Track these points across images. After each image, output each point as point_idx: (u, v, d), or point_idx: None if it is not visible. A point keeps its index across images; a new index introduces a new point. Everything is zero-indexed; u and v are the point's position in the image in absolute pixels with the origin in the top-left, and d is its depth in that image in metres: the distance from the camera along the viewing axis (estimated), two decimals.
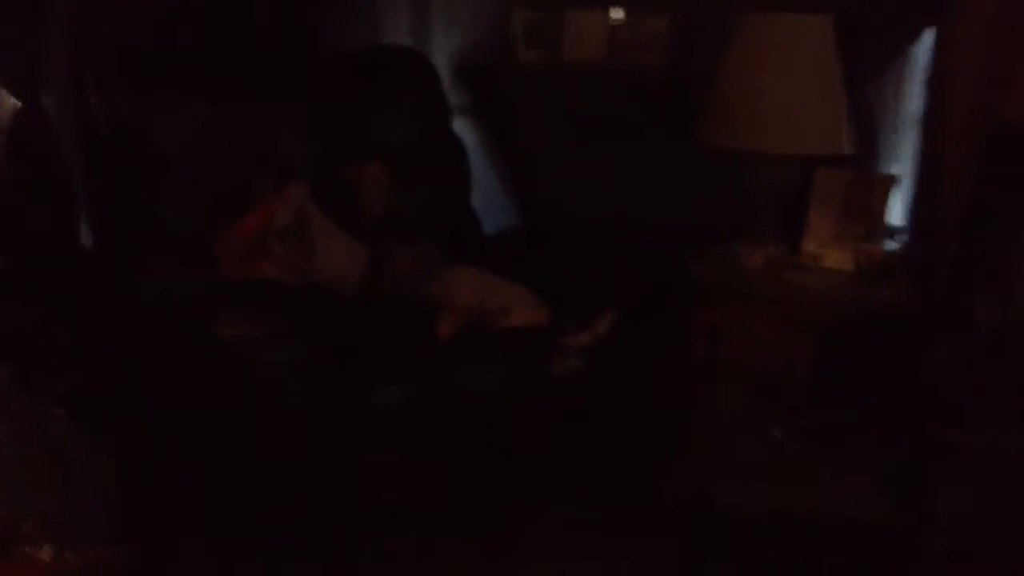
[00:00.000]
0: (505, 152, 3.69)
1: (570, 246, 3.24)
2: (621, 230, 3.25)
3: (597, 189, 3.42)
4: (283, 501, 2.52)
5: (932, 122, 3.00)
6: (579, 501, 2.83)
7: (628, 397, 2.92)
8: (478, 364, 2.71)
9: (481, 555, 2.61)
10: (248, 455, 2.48)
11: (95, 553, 1.86)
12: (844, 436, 2.49)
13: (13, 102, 2.77)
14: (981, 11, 2.82)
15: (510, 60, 3.54)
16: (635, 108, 3.38)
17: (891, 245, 2.96)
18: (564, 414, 2.82)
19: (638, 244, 3.18)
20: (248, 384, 2.39)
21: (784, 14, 2.87)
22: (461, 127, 3.54)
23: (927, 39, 3.04)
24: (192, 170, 2.81)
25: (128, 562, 1.92)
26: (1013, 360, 2.48)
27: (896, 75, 3.12)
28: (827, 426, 2.52)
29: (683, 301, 2.96)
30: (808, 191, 3.05)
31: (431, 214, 3.18)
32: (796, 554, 2.35)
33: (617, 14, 3.42)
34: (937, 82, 2.97)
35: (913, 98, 3.11)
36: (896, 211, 3.07)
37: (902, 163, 3.15)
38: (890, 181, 3.02)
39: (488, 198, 3.61)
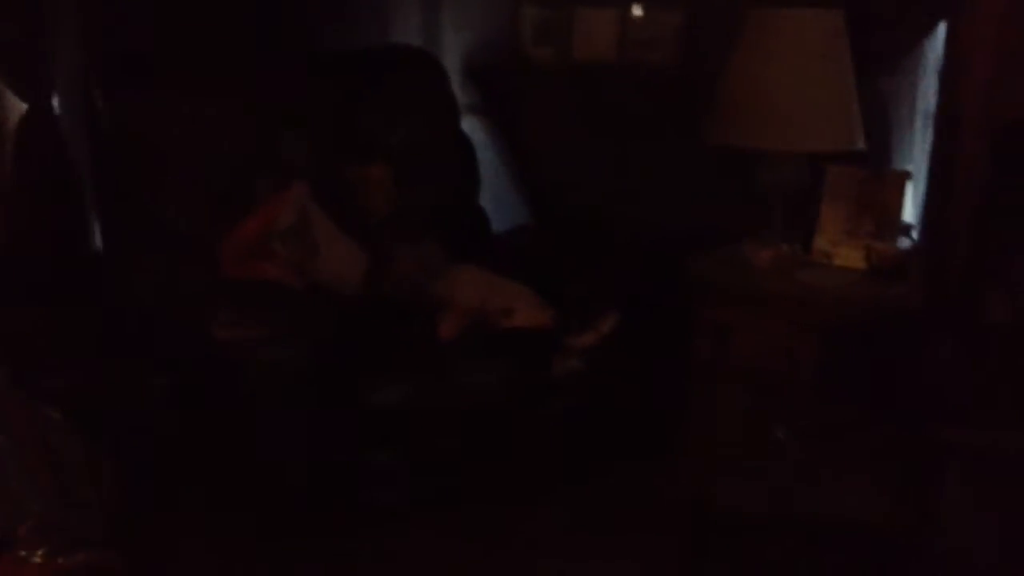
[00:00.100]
0: (515, 150, 3.67)
1: (578, 244, 3.21)
2: (630, 228, 3.22)
3: (606, 187, 3.40)
4: (283, 501, 2.53)
5: (944, 118, 2.95)
6: (580, 501, 2.82)
7: (629, 397, 2.90)
8: (479, 364, 2.70)
9: (481, 555, 2.60)
10: (248, 455, 2.48)
11: (88, 556, 1.86)
12: (846, 436, 2.46)
13: (21, 104, 2.81)
14: (992, 7, 2.77)
15: (520, 58, 3.53)
16: (645, 106, 3.36)
17: (904, 243, 2.91)
18: (564, 414, 2.80)
19: (647, 242, 3.15)
20: (246, 384, 2.39)
21: (793, 8, 2.84)
22: (471, 125, 3.53)
23: (942, 33, 2.99)
24: (194, 170, 2.83)
25: (122, 565, 1.92)
26: (1022, 359, 2.43)
27: (910, 70, 3.07)
28: (830, 426, 2.50)
29: (689, 300, 2.93)
30: (819, 188, 3.02)
31: (436, 214, 3.17)
32: (797, 554, 2.34)
33: (627, 11, 3.39)
34: (948, 78, 2.92)
35: (928, 93, 3.06)
36: (908, 208, 3.02)
37: (916, 159, 3.10)
38: (904, 178, 2.97)
39: (498, 196, 3.59)
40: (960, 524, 2.21)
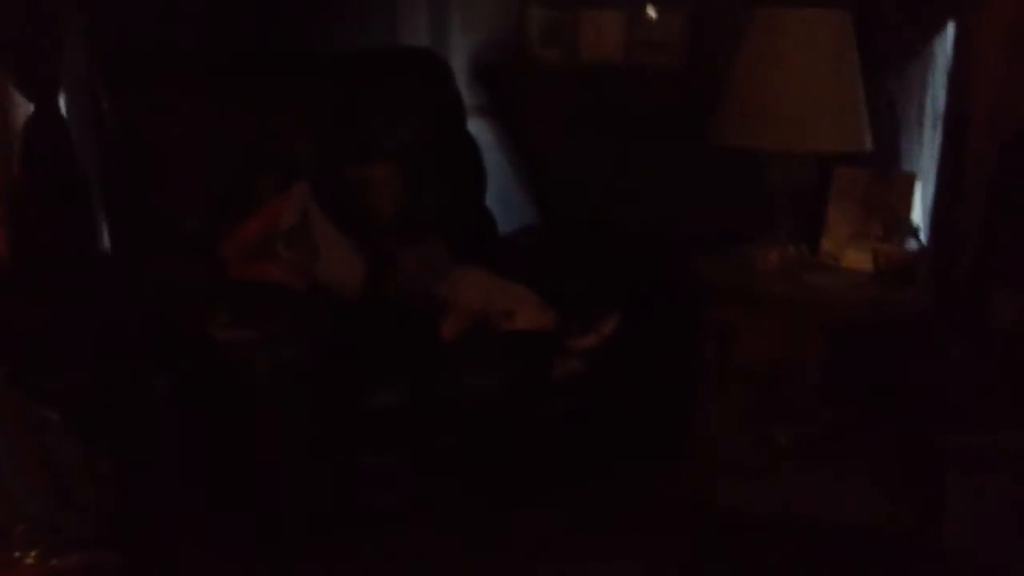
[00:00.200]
0: (521, 151, 3.67)
1: (584, 245, 3.20)
2: (636, 229, 3.20)
3: (613, 188, 3.39)
4: (283, 501, 2.53)
5: (953, 119, 2.92)
6: (580, 502, 2.81)
7: (630, 397, 2.89)
8: (479, 366, 2.69)
9: (481, 556, 2.59)
10: (248, 455, 2.48)
11: (82, 557, 1.87)
12: (849, 437, 2.45)
13: (27, 104, 2.83)
14: (1003, 7, 2.74)
15: (527, 59, 3.52)
16: (651, 107, 3.34)
17: (912, 245, 2.88)
18: (565, 415, 2.80)
19: (653, 243, 3.14)
20: (245, 385, 2.40)
21: (801, 8, 2.81)
22: (478, 126, 3.53)
23: (951, 33, 2.96)
24: (196, 171, 2.83)
25: (116, 565, 1.93)
26: None
27: (919, 70, 3.04)
28: (833, 428, 2.48)
29: (695, 301, 2.91)
30: (826, 190, 2.99)
31: (441, 214, 3.17)
32: (798, 555, 2.34)
33: (634, 13, 3.38)
34: (958, 79, 2.89)
35: (937, 94, 3.02)
36: (916, 210, 2.99)
37: (924, 161, 3.06)
38: (912, 180, 2.95)
39: (505, 197, 3.59)
40: (962, 525, 2.18)
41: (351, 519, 2.58)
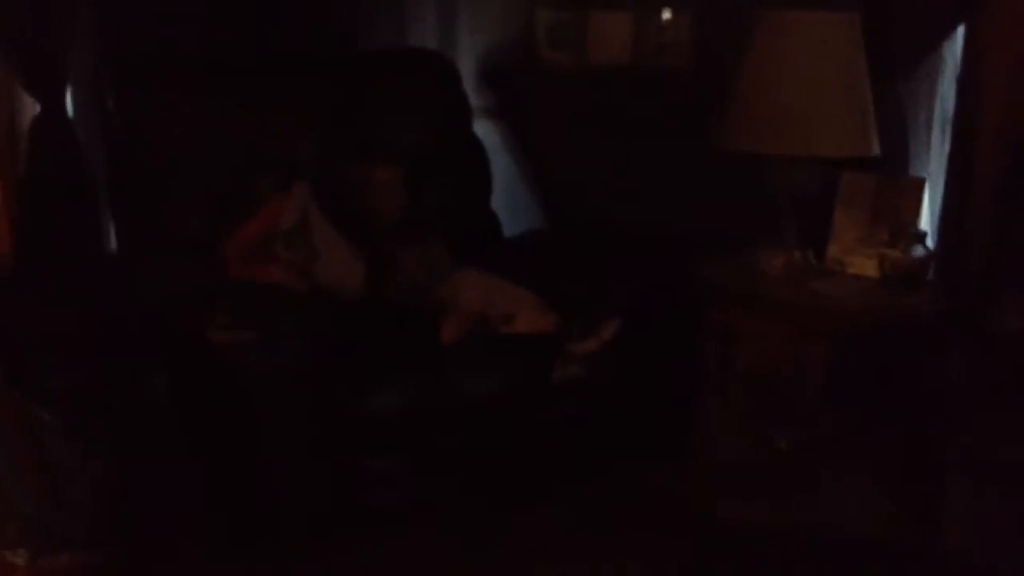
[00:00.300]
0: (528, 153, 3.65)
1: (588, 247, 3.19)
2: (642, 232, 3.18)
3: (619, 190, 3.37)
4: (283, 502, 2.53)
5: (962, 123, 2.88)
6: (580, 503, 2.80)
7: (630, 399, 2.88)
8: (479, 369, 2.69)
9: (481, 557, 2.59)
10: (248, 456, 2.49)
11: (72, 558, 1.87)
12: (851, 446, 2.43)
13: (34, 103, 2.84)
14: (1013, 10, 2.71)
15: (534, 61, 3.51)
16: (659, 110, 3.32)
17: (918, 251, 2.84)
18: (565, 418, 2.79)
19: (659, 246, 3.12)
20: (243, 387, 2.40)
21: (808, 10, 2.79)
22: (485, 128, 3.52)
23: (961, 36, 2.93)
24: (197, 171, 2.83)
25: (107, 566, 1.93)
26: None
27: (928, 74, 3.00)
28: (834, 435, 2.46)
29: (698, 305, 2.90)
30: (833, 195, 2.97)
31: (444, 216, 3.16)
32: (798, 560, 2.32)
33: (641, 14, 3.37)
34: (967, 82, 2.86)
35: (947, 98, 2.99)
36: (924, 215, 2.96)
37: (932, 166, 3.03)
38: (920, 185, 2.92)
39: (512, 200, 3.58)
40: (963, 532, 2.17)
41: (351, 520, 2.58)
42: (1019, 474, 2.18)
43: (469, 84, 3.45)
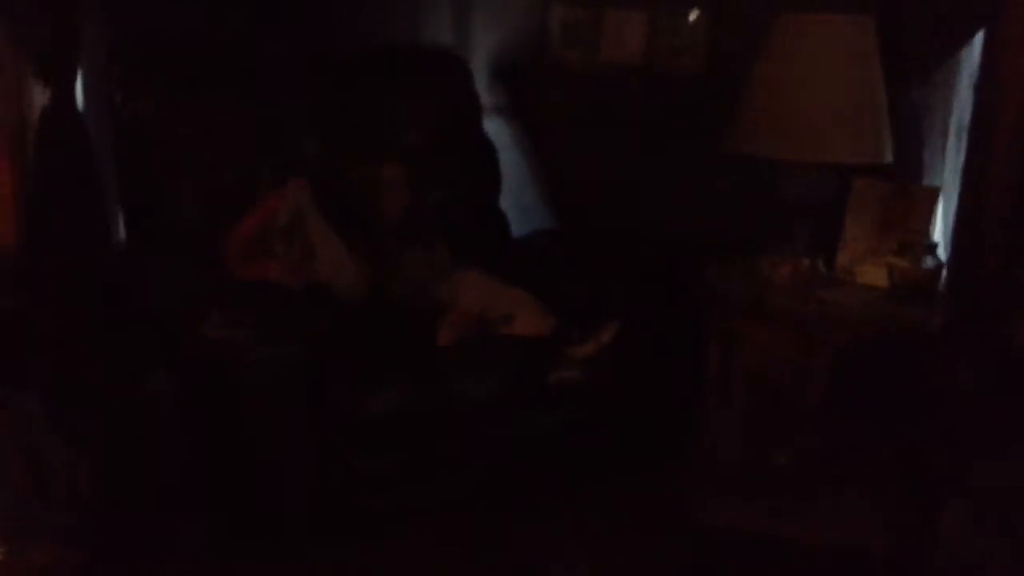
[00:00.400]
0: (539, 152, 3.63)
1: (594, 250, 3.17)
2: (650, 234, 3.15)
3: (629, 191, 3.34)
4: (282, 502, 2.53)
5: (979, 132, 2.82)
6: (579, 505, 2.80)
7: (629, 403, 2.86)
8: (476, 371, 2.67)
9: (480, 559, 2.59)
10: (247, 456, 2.49)
11: (51, 553, 1.88)
12: (850, 459, 2.40)
13: (44, 95, 2.85)
14: None
15: (548, 59, 3.48)
16: (671, 111, 3.29)
17: (929, 262, 2.79)
18: (564, 421, 2.77)
19: (666, 248, 3.09)
20: (239, 385, 2.40)
21: (822, 14, 2.74)
22: (497, 126, 3.50)
23: (979, 42, 2.86)
24: (200, 169, 2.84)
25: (85, 561, 1.94)
26: None
27: (945, 80, 2.94)
28: (833, 448, 2.43)
29: (703, 311, 2.87)
30: (844, 202, 2.92)
31: (451, 216, 3.15)
32: (793, 574, 2.29)
33: (656, 14, 3.33)
34: (985, 89, 2.80)
35: (963, 105, 2.93)
36: (937, 225, 2.91)
37: (947, 175, 2.97)
38: (934, 194, 2.86)
39: (523, 199, 3.56)
40: (962, 550, 2.13)
41: (350, 522, 2.59)
42: (1017, 496, 2.14)
43: (481, 81, 3.43)
